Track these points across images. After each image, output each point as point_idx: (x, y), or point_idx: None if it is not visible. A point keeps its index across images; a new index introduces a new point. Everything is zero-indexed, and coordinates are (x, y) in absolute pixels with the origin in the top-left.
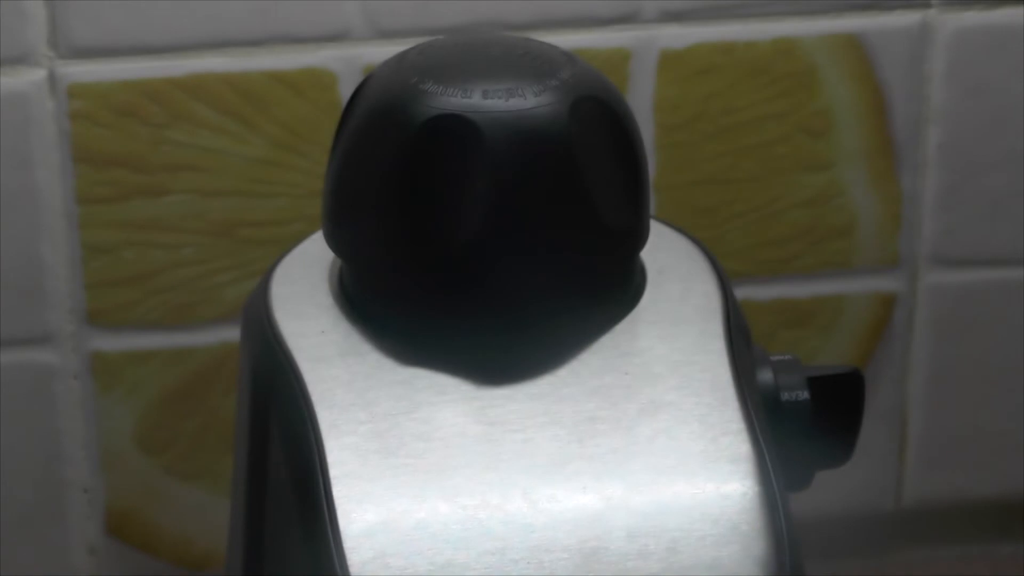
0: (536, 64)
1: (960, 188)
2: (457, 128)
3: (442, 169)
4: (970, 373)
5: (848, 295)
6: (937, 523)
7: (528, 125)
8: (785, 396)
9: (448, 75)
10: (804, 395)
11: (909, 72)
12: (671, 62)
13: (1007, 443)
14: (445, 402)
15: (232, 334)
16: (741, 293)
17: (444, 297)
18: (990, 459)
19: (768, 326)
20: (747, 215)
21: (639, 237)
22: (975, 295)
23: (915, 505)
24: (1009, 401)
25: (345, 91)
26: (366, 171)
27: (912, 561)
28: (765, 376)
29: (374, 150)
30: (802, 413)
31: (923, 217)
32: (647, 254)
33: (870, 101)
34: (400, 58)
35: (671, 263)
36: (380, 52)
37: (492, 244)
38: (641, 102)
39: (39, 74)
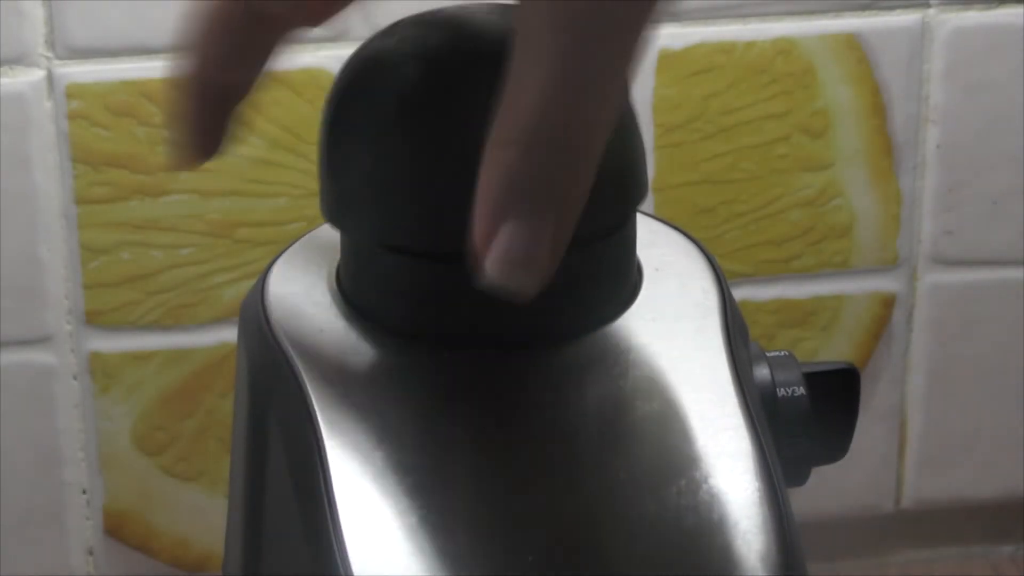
0: None
1: (959, 188)
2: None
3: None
4: (969, 373)
5: (847, 295)
6: (937, 523)
7: None
8: (781, 392)
9: (431, 37)
10: (800, 391)
11: (908, 72)
12: (670, 62)
13: (1007, 443)
14: (445, 399)
15: (231, 335)
16: (740, 293)
17: (442, 295)
18: (990, 459)
19: (767, 326)
20: (746, 215)
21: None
22: (974, 295)
23: (915, 505)
24: (1009, 401)
25: None
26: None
27: (912, 561)
28: (761, 372)
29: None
30: (798, 409)
31: (922, 217)
32: (643, 251)
33: (869, 101)
34: (383, 31)
35: (668, 260)
36: None
37: None
38: (640, 102)
39: (37, 74)
